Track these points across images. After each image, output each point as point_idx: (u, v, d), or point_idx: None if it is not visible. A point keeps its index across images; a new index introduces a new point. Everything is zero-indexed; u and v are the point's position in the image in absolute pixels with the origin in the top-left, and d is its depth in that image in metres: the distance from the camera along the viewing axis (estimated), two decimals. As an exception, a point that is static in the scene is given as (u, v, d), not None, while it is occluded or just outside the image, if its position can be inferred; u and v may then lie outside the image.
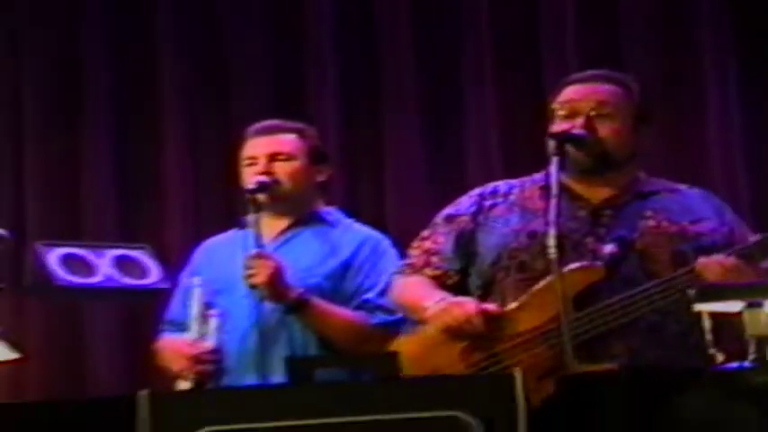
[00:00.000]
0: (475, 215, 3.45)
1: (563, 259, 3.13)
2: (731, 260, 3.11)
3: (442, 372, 3.23)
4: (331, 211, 3.96)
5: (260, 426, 2.59)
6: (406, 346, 3.32)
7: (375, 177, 5.23)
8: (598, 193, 3.36)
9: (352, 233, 3.89)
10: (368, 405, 2.60)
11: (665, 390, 2.54)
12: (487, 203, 3.46)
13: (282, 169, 3.81)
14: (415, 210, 5.10)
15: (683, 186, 3.46)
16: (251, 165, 3.84)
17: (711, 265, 3.11)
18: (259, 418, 2.60)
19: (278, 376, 3.52)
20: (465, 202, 3.51)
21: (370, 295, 3.77)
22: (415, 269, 3.50)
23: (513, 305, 3.25)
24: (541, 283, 3.18)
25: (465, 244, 3.44)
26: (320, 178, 3.91)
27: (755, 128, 5.03)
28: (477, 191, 3.52)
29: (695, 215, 3.33)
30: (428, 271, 3.47)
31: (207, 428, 2.58)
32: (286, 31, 5.37)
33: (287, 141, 3.87)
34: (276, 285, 3.65)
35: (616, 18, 5.16)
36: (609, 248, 3.25)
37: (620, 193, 3.36)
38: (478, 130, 5.18)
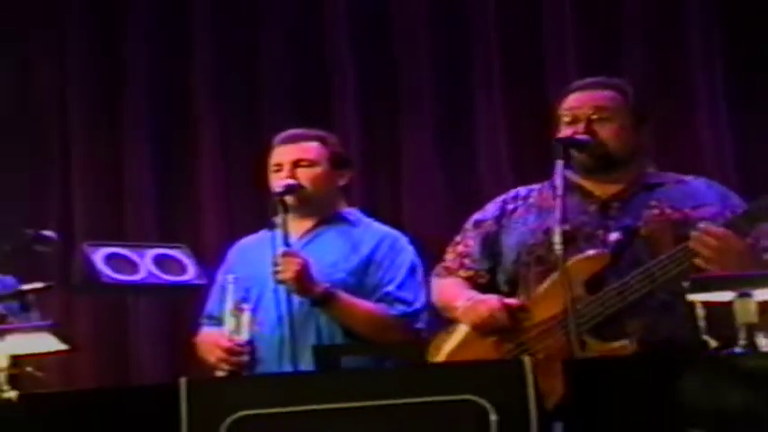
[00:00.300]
0: (498, 219, 3.53)
1: (578, 250, 3.27)
2: (720, 229, 3.13)
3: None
4: (352, 212, 3.99)
5: (290, 409, 2.62)
6: (444, 342, 3.42)
7: (392, 180, 5.25)
8: (607, 189, 3.41)
9: (372, 231, 3.92)
10: (389, 390, 2.62)
11: (661, 375, 2.55)
12: (510, 207, 3.53)
13: (306, 175, 3.85)
14: (430, 210, 5.14)
15: (689, 177, 3.49)
16: (278, 171, 3.88)
17: (702, 236, 3.13)
18: (289, 403, 2.62)
19: (307, 364, 3.55)
20: (491, 208, 3.58)
21: (389, 288, 3.80)
22: (450, 271, 3.59)
23: (532, 297, 3.31)
24: (555, 275, 3.22)
25: (491, 245, 3.52)
26: (342, 182, 3.94)
27: (743, 128, 5.04)
28: (501, 197, 3.60)
29: (697, 201, 3.36)
30: (461, 272, 3.55)
31: (241, 412, 2.62)
32: (308, 44, 5.40)
33: (310, 149, 3.90)
34: (303, 281, 3.68)
35: (614, 24, 5.18)
36: (614, 236, 3.31)
37: (628, 187, 3.41)
38: (488, 134, 5.20)
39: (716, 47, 5.07)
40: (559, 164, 3.25)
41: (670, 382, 2.52)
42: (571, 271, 3.21)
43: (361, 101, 5.28)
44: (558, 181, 3.19)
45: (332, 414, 2.63)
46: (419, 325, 3.80)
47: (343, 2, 5.37)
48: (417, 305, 3.80)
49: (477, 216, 3.60)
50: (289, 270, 3.66)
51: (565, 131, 3.39)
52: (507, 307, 3.32)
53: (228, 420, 2.61)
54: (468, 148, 5.21)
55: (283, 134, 3.95)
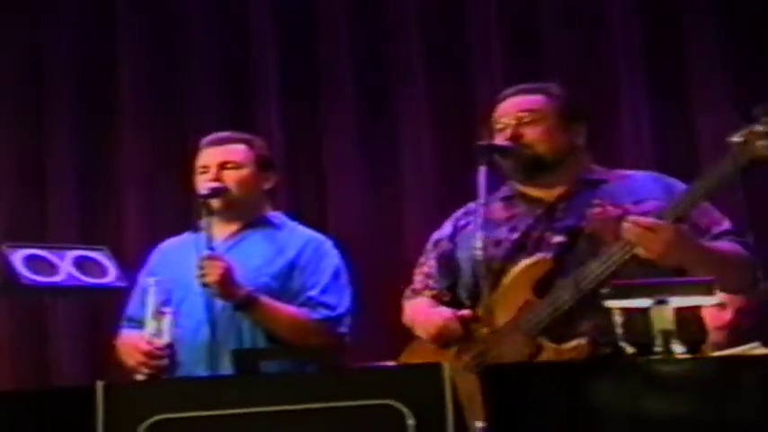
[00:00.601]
0: (452, 236, 3.57)
1: (528, 256, 3.32)
2: (648, 219, 3.16)
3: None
4: (277, 215, 3.99)
5: (207, 413, 2.60)
6: (413, 356, 3.46)
7: (315, 182, 5.26)
8: (551, 192, 3.44)
9: (297, 235, 3.92)
10: (308, 394, 2.60)
11: (577, 379, 2.57)
12: (461, 223, 3.56)
13: (232, 177, 3.85)
14: (353, 211, 5.16)
15: (634, 172, 3.52)
16: (203, 173, 3.88)
17: (631, 226, 3.15)
18: (207, 407, 2.60)
19: (228, 368, 3.53)
20: (446, 226, 3.62)
21: (313, 293, 3.80)
22: (416, 292, 3.62)
23: (487, 306, 3.30)
24: (505, 282, 3.28)
25: (447, 264, 3.56)
26: (267, 185, 3.95)
27: (663, 127, 5.11)
28: (455, 214, 3.62)
29: (639, 196, 3.37)
30: (426, 293, 3.59)
31: (158, 416, 2.59)
32: (231, 44, 5.40)
33: (236, 151, 3.90)
34: (226, 285, 3.67)
35: (536, 21, 5.23)
36: (557, 239, 3.34)
37: (570, 187, 3.44)
38: (411, 134, 5.22)
39: (637, 47, 5.14)
40: (482, 170, 3.26)
41: (586, 387, 2.54)
42: (519, 277, 3.30)
43: (283, 102, 5.29)
44: (481, 188, 3.21)
45: (250, 418, 2.60)
46: (342, 329, 3.81)
47: (268, 4, 5.37)
48: (340, 309, 3.81)
49: (435, 235, 3.64)
50: (212, 274, 3.65)
51: (497, 139, 3.44)
52: (459, 317, 3.35)
53: (145, 424, 2.59)
54: (391, 148, 5.24)
55: (210, 136, 3.95)
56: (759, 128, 3.03)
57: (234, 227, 3.89)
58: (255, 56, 5.34)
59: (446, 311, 3.41)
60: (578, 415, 2.54)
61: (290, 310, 3.76)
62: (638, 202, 3.35)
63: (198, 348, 3.71)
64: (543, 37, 5.21)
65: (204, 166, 3.89)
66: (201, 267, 3.67)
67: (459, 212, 3.60)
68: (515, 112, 3.45)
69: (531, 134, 3.41)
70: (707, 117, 5.04)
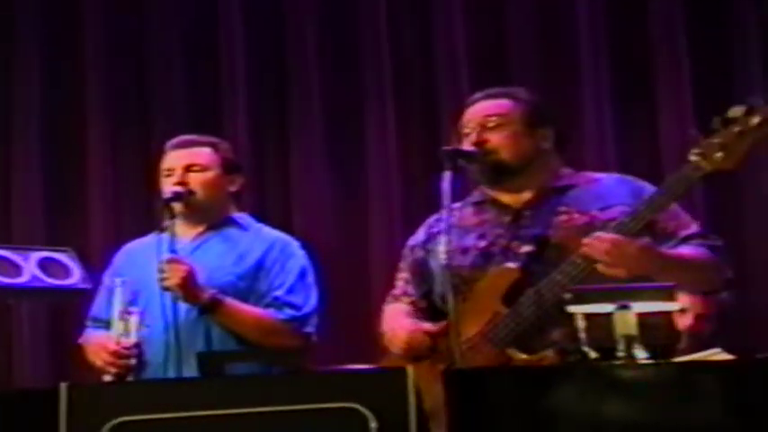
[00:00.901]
0: (425, 243, 3.56)
1: (495, 265, 3.32)
2: (609, 235, 3.17)
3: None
4: (243, 217, 3.99)
5: (171, 416, 2.60)
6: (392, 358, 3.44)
7: (281, 184, 5.27)
8: (519, 198, 3.44)
9: (263, 236, 3.93)
10: (273, 396, 2.61)
11: (540, 384, 2.58)
12: (434, 230, 3.53)
13: (197, 180, 3.86)
14: (319, 214, 5.16)
15: (601, 175, 3.52)
16: (168, 176, 3.88)
17: (594, 243, 3.17)
18: (170, 409, 2.60)
19: (193, 370, 3.52)
20: (419, 233, 3.61)
21: (279, 293, 3.81)
22: (396, 298, 3.61)
23: (458, 316, 3.25)
24: (474, 289, 3.27)
25: (421, 272, 3.54)
26: (233, 188, 3.95)
27: (626, 128, 5.15)
28: (428, 220, 3.61)
29: (606, 202, 3.37)
30: (404, 299, 3.58)
31: (121, 418, 2.59)
32: (200, 47, 5.39)
33: (201, 154, 3.90)
34: (188, 288, 3.67)
35: (503, 29, 5.25)
36: (525, 249, 3.33)
37: (538, 193, 3.43)
38: (377, 138, 5.23)
39: (601, 46, 5.17)
40: (447, 175, 3.26)
41: (548, 392, 2.55)
42: (487, 287, 3.29)
43: (249, 104, 5.29)
44: (446, 193, 3.20)
45: (214, 420, 2.61)
46: (308, 329, 3.82)
47: (237, 5, 5.37)
48: (306, 309, 3.82)
49: (410, 241, 3.63)
50: (174, 277, 3.65)
51: (464, 144, 3.44)
52: (424, 331, 3.35)
53: (108, 426, 2.59)
54: (356, 151, 5.25)
55: (175, 139, 3.96)
56: (717, 139, 3.07)
57: (200, 228, 3.90)
58: (222, 58, 5.33)
59: (408, 324, 3.41)
60: (540, 420, 2.55)
61: (255, 311, 3.77)
62: (605, 209, 3.35)
63: (163, 349, 3.71)
64: (507, 40, 5.23)
65: (169, 169, 3.89)
66: (163, 271, 3.66)
67: (432, 219, 3.58)
68: (481, 116, 3.46)
69: (495, 139, 3.42)
70: (669, 118, 5.08)
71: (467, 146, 3.43)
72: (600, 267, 3.16)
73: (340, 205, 5.18)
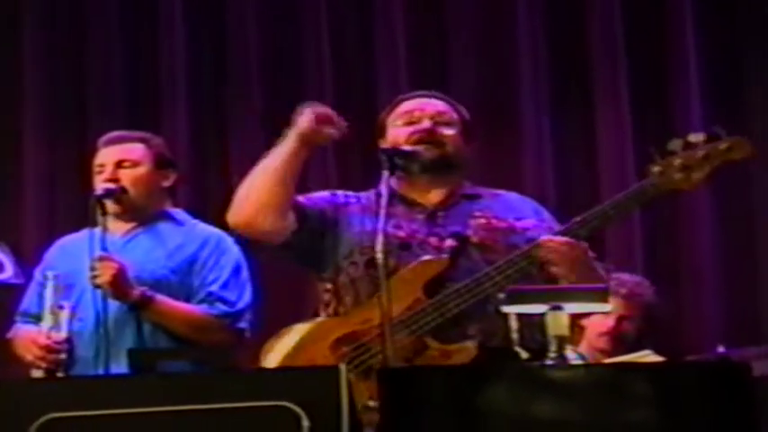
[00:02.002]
0: (338, 206, 3.48)
1: (414, 256, 3.31)
2: (563, 238, 3.22)
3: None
4: (178, 212, 3.97)
5: (101, 413, 2.58)
6: (277, 346, 3.36)
7: (222, 182, 5.24)
8: (431, 198, 3.44)
9: (198, 231, 3.90)
10: (204, 394, 2.60)
11: (472, 383, 2.59)
12: (350, 200, 3.50)
13: (128, 176, 3.83)
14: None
15: (501, 191, 3.56)
16: (101, 172, 3.85)
17: (551, 242, 3.21)
18: (101, 406, 2.58)
19: (124, 367, 3.51)
20: (339, 194, 3.54)
21: (212, 288, 3.78)
22: None
23: (371, 300, 3.27)
24: (394, 278, 3.21)
25: (322, 220, 3.44)
26: (166, 183, 3.93)
27: (564, 147, 5.19)
28: (341, 192, 3.57)
29: (518, 213, 3.44)
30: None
31: (50, 415, 2.57)
32: (139, 41, 5.37)
33: (133, 150, 3.88)
34: (118, 285, 3.64)
35: (442, 33, 5.27)
36: (449, 242, 3.34)
37: (449, 196, 3.45)
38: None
39: (541, 60, 5.21)
40: (385, 174, 3.26)
41: (480, 391, 2.56)
42: (410, 275, 3.27)
43: (189, 100, 5.27)
44: (384, 190, 3.21)
45: (145, 418, 2.59)
46: (241, 325, 3.79)
47: (179, 1, 5.36)
48: (240, 305, 3.80)
49: (329, 192, 3.55)
50: (105, 275, 3.62)
51: (401, 132, 3.43)
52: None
53: (37, 423, 2.56)
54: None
55: (107, 135, 3.94)
56: (677, 161, 3.17)
57: (133, 223, 3.87)
58: (161, 53, 5.30)
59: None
60: (472, 419, 2.56)
61: (186, 307, 3.75)
62: (519, 219, 3.43)
63: (94, 345, 3.68)
64: (450, 44, 5.25)
65: (101, 165, 3.87)
66: (94, 269, 3.63)
67: (339, 192, 3.56)
68: (434, 111, 3.47)
69: (446, 134, 3.44)
70: (606, 118, 5.13)
71: (408, 131, 3.41)
72: (553, 269, 3.20)
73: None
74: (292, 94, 5.24)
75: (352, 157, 5.07)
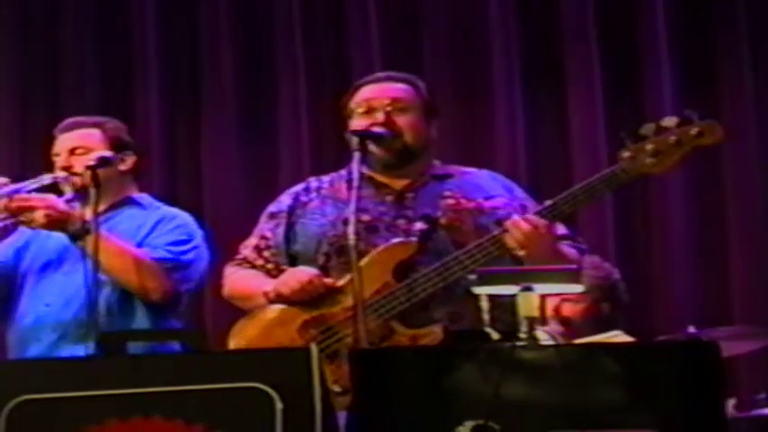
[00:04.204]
0: (293, 209, 3.48)
1: (382, 239, 3.30)
2: (533, 217, 3.19)
3: (284, 349, 3.25)
4: (143, 196, 3.92)
5: (73, 395, 2.58)
6: (245, 328, 3.36)
7: (193, 168, 5.25)
8: (398, 181, 3.42)
9: (159, 213, 3.86)
10: (176, 376, 2.59)
11: (443, 364, 2.59)
12: (303, 199, 3.49)
13: (81, 162, 3.75)
14: (229, 198, 5.15)
15: (472, 169, 3.54)
16: (56, 161, 3.82)
17: (521, 223, 3.17)
18: (73, 388, 2.57)
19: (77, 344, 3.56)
20: (284, 200, 3.53)
21: (158, 241, 3.74)
22: (248, 261, 3.51)
23: (341, 282, 3.28)
24: (363, 261, 3.19)
25: (290, 237, 3.46)
26: (124, 167, 3.85)
27: (536, 127, 5.21)
28: (293, 189, 3.56)
29: (487, 192, 3.42)
30: (259, 263, 3.48)
31: (23, 397, 2.56)
32: (113, 34, 5.36)
33: (87, 136, 3.83)
34: (53, 222, 3.58)
35: (413, 22, 5.27)
36: (418, 225, 3.33)
37: (418, 178, 3.43)
38: (290, 125, 5.24)
39: (513, 51, 5.23)
40: (356, 155, 3.26)
41: (451, 372, 2.57)
42: (379, 259, 3.26)
43: (162, 87, 5.27)
44: (355, 173, 3.20)
45: (117, 400, 2.58)
46: (178, 277, 3.73)
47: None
48: (183, 259, 3.74)
49: (271, 208, 3.55)
50: (37, 217, 3.57)
51: (359, 123, 3.39)
52: (322, 278, 3.30)
53: (9, 405, 2.55)
54: (268, 136, 5.25)
55: (62, 123, 3.89)
56: (649, 146, 3.14)
57: (99, 207, 3.75)
58: (134, 41, 5.31)
59: (310, 269, 3.33)
60: (443, 400, 2.57)
61: (126, 244, 3.68)
62: (489, 198, 3.40)
63: (59, 329, 3.67)
64: (422, 26, 5.27)
65: (56, 154, 3.83)
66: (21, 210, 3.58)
67: (299, 188, 3.54)
68: (388, 98, 3.42)
69: (402, 122, 3.39)
70: (578, 100, 5.16)
71: (364, 124, 3.38)
72: (517, 249, 3.18)
73: (250, 189, 5.18)
74: (265, 78, 5.27)
75: (326, 140, 5.09)
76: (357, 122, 3.41)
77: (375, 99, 3.42)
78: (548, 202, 3.24)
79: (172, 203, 4.01)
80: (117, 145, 3.85)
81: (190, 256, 3.76)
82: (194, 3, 5.38)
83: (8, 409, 2.56)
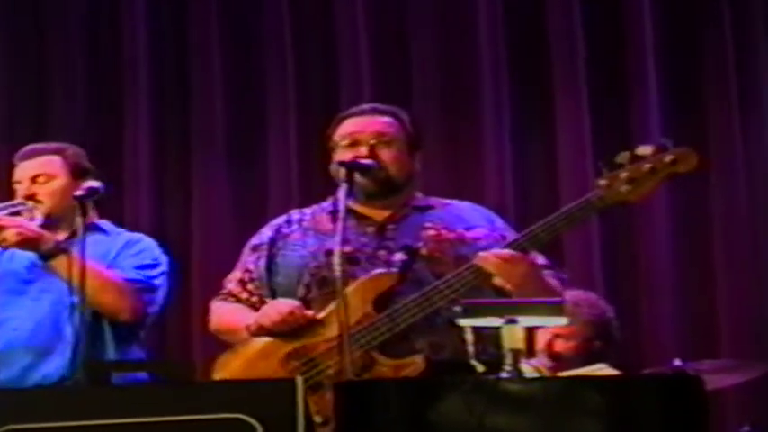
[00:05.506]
0: (274, 242, 3.50)
1: (363, 270, 3.31)
2: (505, 251, 3.22)
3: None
4: (105, 223, 3.92)
5: (60, 424, 2.58)
6: (230, 361, 3.38)
7: (182, 199, 5.26)
8: (381, 213, 3.44)
9: (123, 237, 3.88)
10: (160, 407, 2.60)
11: (428, 396, 2.60)
12: (285, 231, 3.51)
13: (44, 190, 3.78)
14: (218, 228, 5.16)
15: (453, 201, 3.57)
16: (18, 189, 3.82)
17: (489, 258, 3.20)
18: (58, 418, 2.58)
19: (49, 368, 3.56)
20: (265, 232, 3.55)
21: (125, 263, 3.76)
22: (233, 295, 3.52)
23: (322, 314, 3.29)
24: (344, 292, 3.17)
25: (272, 270, 3.47)
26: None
27: (524, 157, 5.23)
28: (274, 222, 3.57)
29: (468, 223, 3.44)
30: (243, 296, 3.50)
31: (8, 426, 2.57)
32: (104, 56, 5.38)
33: (47, 162, 3.84)
34: (27, 242, 3.61)
35: (405, 43, 5.30)
36: (398, 256, 3.34)
37: (399, 209, 3.45)
38: (279, 156, 5.26)
39: (502, 59, 5.26)
40: (343, 186, 3.28)
41: (435, 403, 2.58)
42: (360, 290, 3.26)
43: (152, 116, 5.29)
44: (341, 204, 3.21)
45: (102, 430, 2.59)
46: (147, 299, 3.75)
47: (142, 11, 5.37)
48: (153, 282, 3.77)
49: (254, 241, 3.57)
50: (9, 237, 3.59)
51: (345, 155, 3.41)
52: (303, 310, 3.31)
53: (-6, 434, 2.56)
54: (258, 166, 5.27)
55: (22, 150, 3.89)
56: (624, 173, 3.17)
57: (60, 236, 3.78)
58: (123, 69, 5.33)
59: (291, 301, 3.34)
60: (426, 430, 2.57)
61: (98, 265, 3.68)
62: (469, 229, 3.42)
63: (29, 355, 3.68)
64: (410, 45, 5.30)
65: (17, 182, 3.83)
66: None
67: (281, 220, 3.56)
68: (373, 131, 3.44)
69: (386, 155, 3.41)
70: (567, 130, 5.18)
71: (350, 156, 3.40)
72: (495, 280, 3.20)
73: (238, 220, 5.18)
74: (256, 110, 5.30)
75: (316, 176, 5.10)
76: (342, 155, 3.43)
77: (359, 133, 3.45)
78: (524, 231, 3.27)
79: (160, 235, 4.02)
80: (78, 171, 3.85)
81: (158, 280, 3.80)
82: (184, 32, 5.40)
83: (-6, 439, 2.57)
